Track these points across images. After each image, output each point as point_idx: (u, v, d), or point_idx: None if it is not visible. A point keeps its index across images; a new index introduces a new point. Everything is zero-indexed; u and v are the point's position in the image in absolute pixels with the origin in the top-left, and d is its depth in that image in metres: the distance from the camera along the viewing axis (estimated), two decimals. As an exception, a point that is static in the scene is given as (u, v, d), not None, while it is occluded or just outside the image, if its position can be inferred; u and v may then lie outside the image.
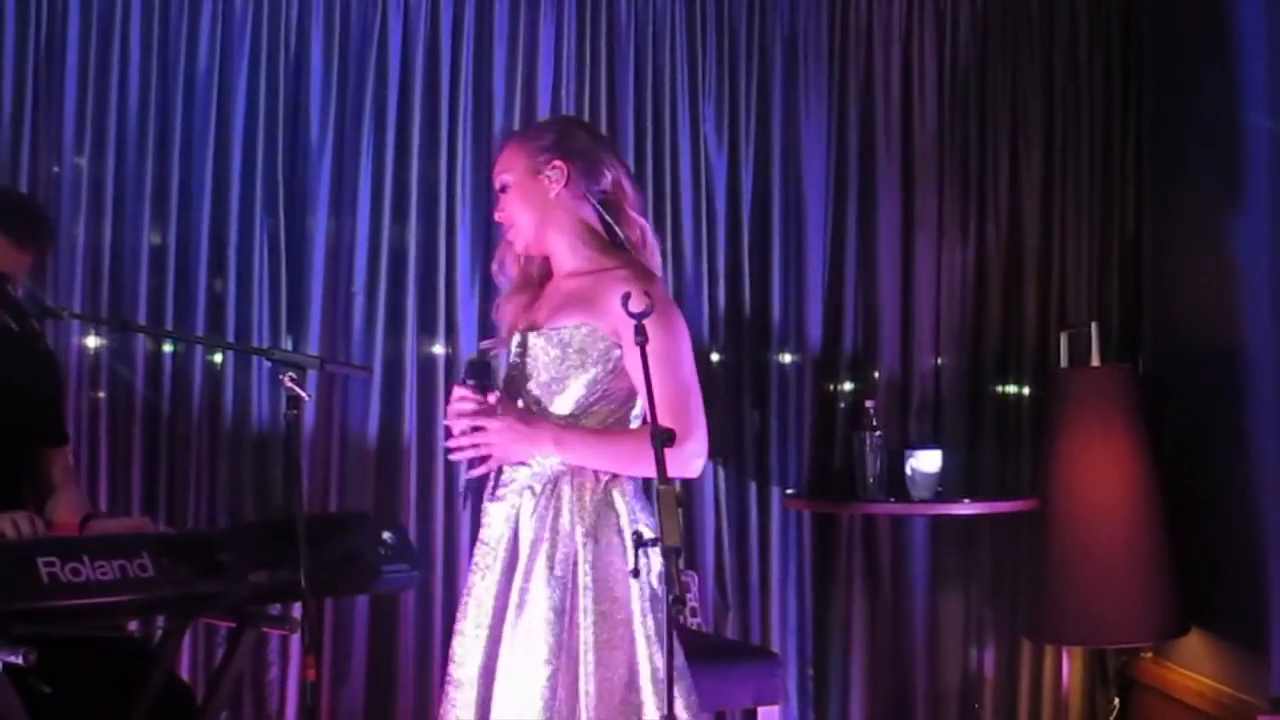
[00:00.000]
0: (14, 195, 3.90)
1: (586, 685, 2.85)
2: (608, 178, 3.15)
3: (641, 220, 3.16)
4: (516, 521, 2.99)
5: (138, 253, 4.37)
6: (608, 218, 3.14)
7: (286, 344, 4.42)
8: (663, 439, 2.56)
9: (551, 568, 2.89)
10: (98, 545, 2.76)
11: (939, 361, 4.89)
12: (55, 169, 4.35)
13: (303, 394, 2.93)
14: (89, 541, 2.94)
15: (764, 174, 4.80)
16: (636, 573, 2.59)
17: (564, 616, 2.88)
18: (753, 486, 4.74)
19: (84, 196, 4.34)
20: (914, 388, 4.86)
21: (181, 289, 4.41)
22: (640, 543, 2.58)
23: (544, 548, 2.90)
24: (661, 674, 2.79)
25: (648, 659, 2.86)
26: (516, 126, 4.53)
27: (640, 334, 2.68)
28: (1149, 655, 4.78)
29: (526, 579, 2.92)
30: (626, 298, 2.72)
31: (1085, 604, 4.44)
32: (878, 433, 4.57)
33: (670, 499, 2.46)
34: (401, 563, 3.28)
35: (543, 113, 4.59)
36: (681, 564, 2.43)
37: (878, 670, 4.83)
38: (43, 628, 2.64)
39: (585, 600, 2.88)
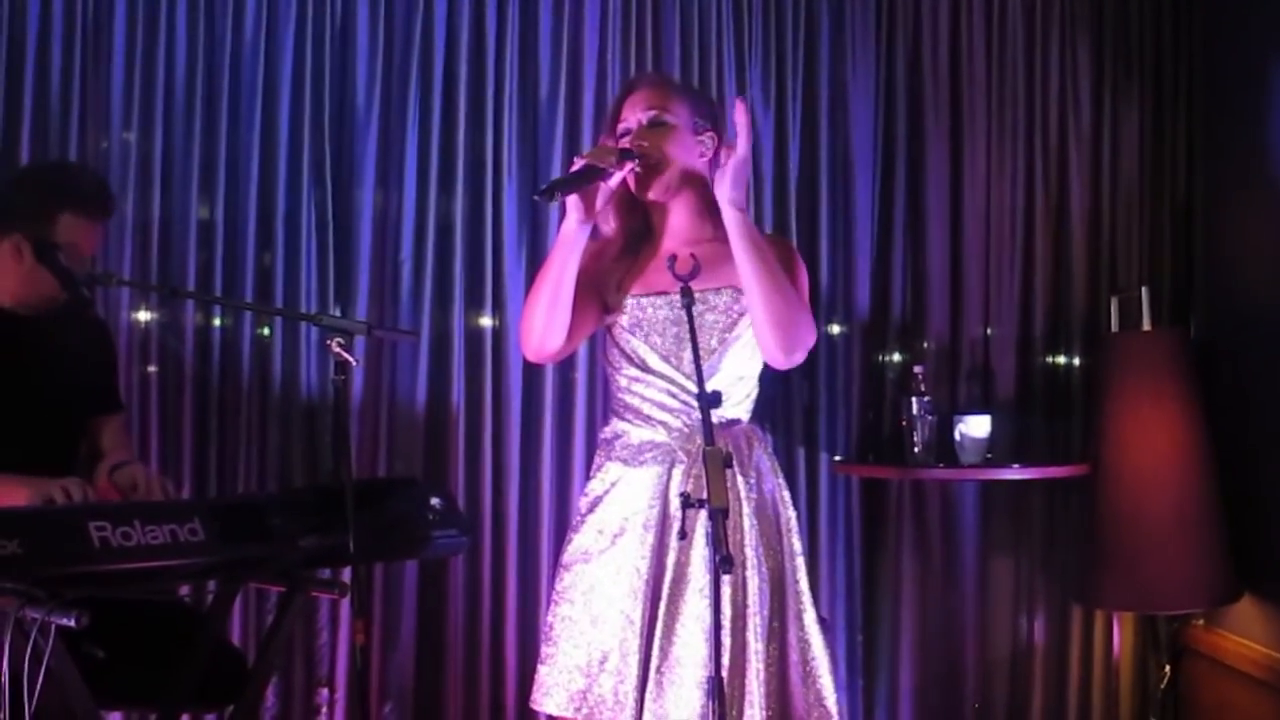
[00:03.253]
0: (82, 172, 3.85)
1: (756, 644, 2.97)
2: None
3: None
4: (667, 488, 3.04)
5: (186, 227, 4.38)
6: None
7: (335, 314, 4.43)
8: (710, 401, 2.56)
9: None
10: (149, 510, 2.80)
11: (988, 327, 4.86)
12: (104, 144, 4.36)
13: (350, 359, 2.96)
14: (140, 506, 2.98)
15: (811, 138, 4.78)
16: (684, 534, 2.59)
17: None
18: (801, 453, 4.73)
19: (132, 171, 4.35)
20: (963, 353, 4.83)
21: (230, 262, 4.42)
22: (687, 503, 2.58)
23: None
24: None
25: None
26: (563, 93, 4.55)
27: (687, 295, 2.69)
28: (1201, 622, 4.74)
29: (690, 542, 2.97)
30: (673, 260, 2.74)
31: (1136, 570, 4.41)
32: (927, 398, 4.56)
33: (717, 459, 2.46)
34: (450, 528, 3.30)
35: (589, 80, 4.58)
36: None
37: (927, 636, 4.82)
38: (94, 591, 2.67)
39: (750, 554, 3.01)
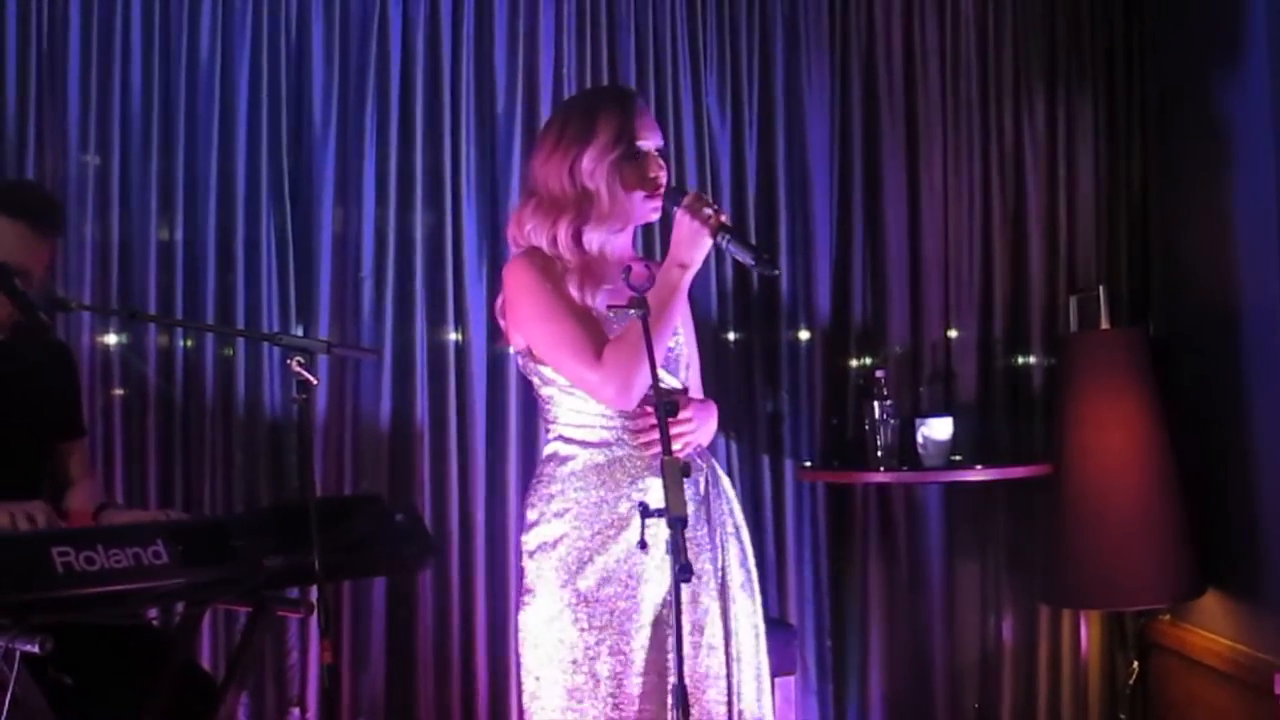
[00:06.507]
0: (29, 185, 3.90)
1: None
2: None
3: None
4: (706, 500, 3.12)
5: (146, 249, 4.36)
6: None
7: (297, 333, 4.43)
8: (668, 409, 2.57)
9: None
10: (112, 534, 2.79)
11: (949, 330, 4.89)
12: (61, 167, 4.33)
13: (311, 378, 2.97)
14: (103, 530, 2.98)
15: (768, 146, 4.80)
16: (644, 545, 2.59)
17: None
18: (766, 460, 4.74)
19: (90, 193, 4.33)
20: (924, 357, 4.86)
21: (191, 283, 4.40)
22: (646, 513, 2.59)
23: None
24: None
25: None
26: (520, 106, 4.56)
27: (641, 306, 2.70)
28: (1167, 618, 4.78)
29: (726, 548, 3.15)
30: (628, 272, 2.74)
31: (1101, 568, 4.45)
32: (889, 402, 4.58)
33: (675, 469, 2.47)
34: (416, 544, 3.31)
35: (545, 94, 4.59)
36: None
37: (896, 639, 4.84)
38: (59, 617, 2.67)
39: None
